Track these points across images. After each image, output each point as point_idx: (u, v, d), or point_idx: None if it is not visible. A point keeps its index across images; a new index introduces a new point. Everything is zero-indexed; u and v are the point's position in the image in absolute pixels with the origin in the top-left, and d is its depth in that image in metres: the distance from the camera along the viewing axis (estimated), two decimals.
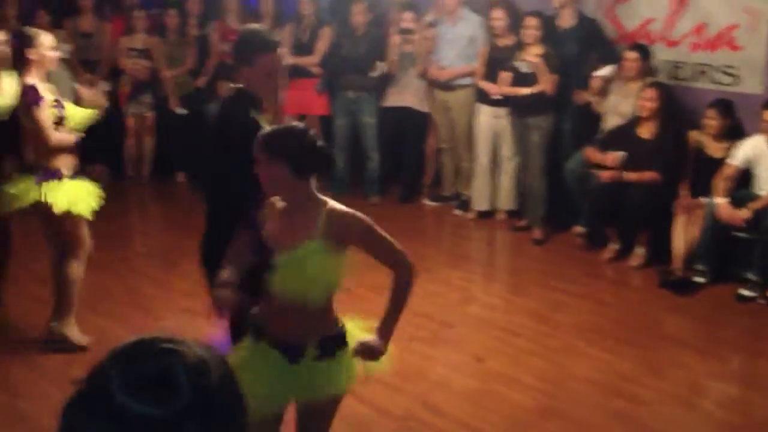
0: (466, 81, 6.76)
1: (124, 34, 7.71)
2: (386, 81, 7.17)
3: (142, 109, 7.73)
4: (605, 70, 5.99)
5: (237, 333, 2.88)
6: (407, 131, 7.24)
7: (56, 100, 4.20)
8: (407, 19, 6.89)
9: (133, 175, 7.86)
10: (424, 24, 6.96)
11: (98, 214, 4.42)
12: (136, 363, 0.98)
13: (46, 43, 4.18)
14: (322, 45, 7.29)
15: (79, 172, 4.39)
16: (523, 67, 6.16)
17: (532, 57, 6.11)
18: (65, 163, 4.27)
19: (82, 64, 7.47)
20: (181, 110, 7.65)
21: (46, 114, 4.11)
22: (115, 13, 7.98)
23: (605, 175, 5.73)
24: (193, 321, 4.47)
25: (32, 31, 4.25)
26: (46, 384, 4.06)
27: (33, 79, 4.13)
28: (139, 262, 5.91)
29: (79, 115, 4.33)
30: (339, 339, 2.66)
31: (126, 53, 7.63)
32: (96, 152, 7.64)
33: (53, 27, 7.31)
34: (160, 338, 1.02)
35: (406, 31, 6.89)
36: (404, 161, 7.41)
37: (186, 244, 6.10)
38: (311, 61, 7.32)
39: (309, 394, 2.61)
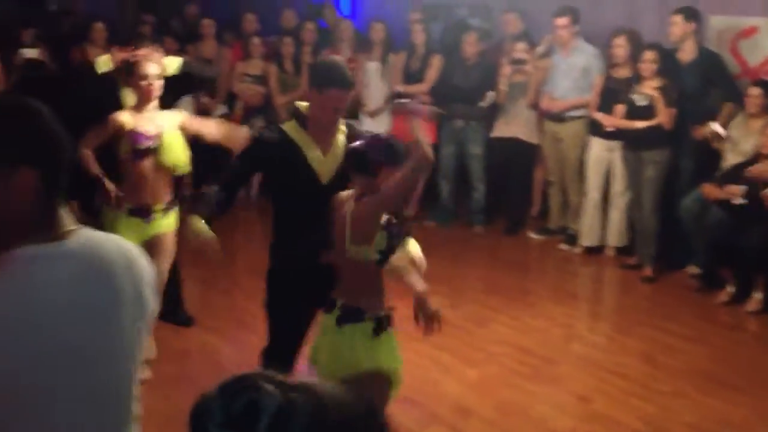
0: (579, 113, 6.63)
1: (241, 59, 7.97)
2: (495, 111, 7.12)
3: (253, 132, 7.93)
4: (719, 128, 5.75)
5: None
6: (514, 162, 7.15)
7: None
8: (519, 50, 6.84)
9: (242, 195, 8.07)
10: (537, 54, 6.88)
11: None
12: (232, 400, 1.06)
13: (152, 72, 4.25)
14: (432, 73, 7.33)
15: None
16: (640, 100, 5.99)
17: (649, 90, 5.94)
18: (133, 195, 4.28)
19: (202, 87, 7.76)
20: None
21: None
22: (235, 39, 8.27)
23: (754, 170, 5.42)
24: None
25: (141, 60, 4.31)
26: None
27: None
28: (244, 280, 6.03)
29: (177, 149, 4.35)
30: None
31: (241, 78, 7.88)
32: (209, 173, 7.95)
33: (178, 52, 7.69)
34: (263, 375, 1.10)
35: (518, 62, 6.83)
36: (510, 192, 7.32)
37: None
38: (420, 90, 7.36)
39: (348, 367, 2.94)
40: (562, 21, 6.49)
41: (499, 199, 7.38)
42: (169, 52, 7.62)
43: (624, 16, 6.72)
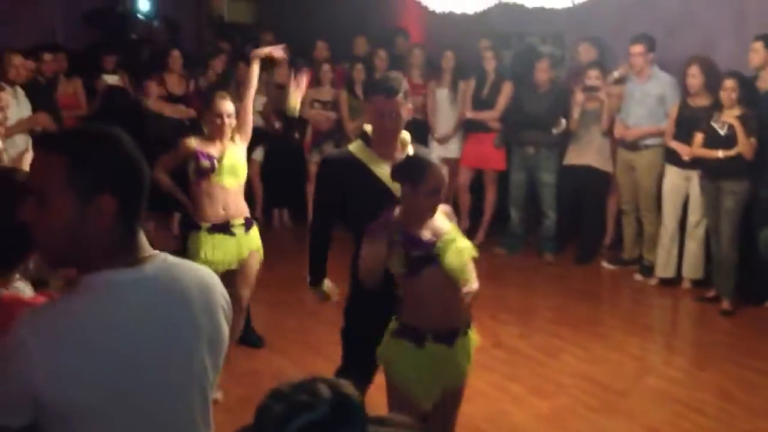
0: (654, 141, 6.50)
1: (312, 86, 8.08)
2: (567, 138, 7.04)
3: (321, 156, 8.03)
4: None
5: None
6: (587, 190, 7.05)
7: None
8: (592, 77, 6.76)
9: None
10: (611, 80, 6.80)
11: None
12: (292, 396, 1.16)
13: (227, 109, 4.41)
14: (503, 100, 7.31)
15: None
16: (720, 129, 5.84)
17: (729, 118, 5.79)
18: (209, 213, 4.43)
19: (275, 113, 7.89)
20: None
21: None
22: (308, 66, 8.39)
23: None
24: None
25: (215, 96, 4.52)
26: None
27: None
28: (314, 304, 6.03)
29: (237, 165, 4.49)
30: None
31: (311, 104, 7.98)
32: (281, 197, 8.06)
33: None
34: (318, 379, 1.20)
35: (590, 89, 6.76)
36: (583, 221, 7.20)
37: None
38: (491, 116, 7.35)
39: (455, 380, 3.08)
40: (638, 48, 6.40)
41: (570, 227, 7.27)
42: (241, 78, 7.88)
43: (700, 43, 6.59)
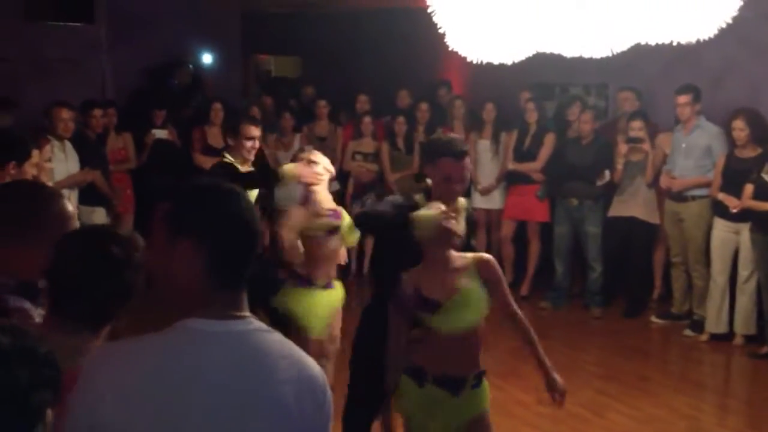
0: (702, 192, 6.36)
1: (353, 138, 8.13)
2: (611, 190, 6.95)
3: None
4: None
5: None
6: (634, 242, 6.91)
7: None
8: (636, 128, 6.69)
9: (353, 270, 8.09)
10: (655, 132, 6.72)
11: None
12: None
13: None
14: (545, 151, 7.26)
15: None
16: None
17: None
18: (320, 271, 4.42)
19: None
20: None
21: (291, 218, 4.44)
22: (349, 118, 8.48)
23: None
24: None
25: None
26: None
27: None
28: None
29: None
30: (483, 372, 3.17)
31: (353, 156, 8.02)
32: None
33: (293, 131, 7.97)
34: None
35: (634, 140, 6.68)
36: (630, 274, 7.05)
37: None
38: (534, 168, 7.29)
39: (465, 416, 3.10)
40: (684, 99, 6.33)
41: (617, 280, 7.12)
42: (286, 129, 7.99)
43: (746, 93, 6.49)
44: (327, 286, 4.49)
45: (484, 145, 7.64)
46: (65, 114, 6.18)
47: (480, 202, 7.52)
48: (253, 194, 4.87)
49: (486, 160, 7.63)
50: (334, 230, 4.46)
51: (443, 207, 3.08)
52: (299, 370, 1.60)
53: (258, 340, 1.58)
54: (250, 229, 1.61)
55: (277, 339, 1.62)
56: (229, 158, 4.75)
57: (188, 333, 1.54)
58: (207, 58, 9.58)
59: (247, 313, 1.61)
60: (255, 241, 1.62)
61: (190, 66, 8.97)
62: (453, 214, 3.07)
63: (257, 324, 1.61)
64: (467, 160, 3.38)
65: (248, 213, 1.62)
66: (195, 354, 1.52)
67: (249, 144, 4.61)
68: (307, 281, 4.43)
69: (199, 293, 1.56)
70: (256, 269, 1.66)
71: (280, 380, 1.57)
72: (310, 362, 1.64)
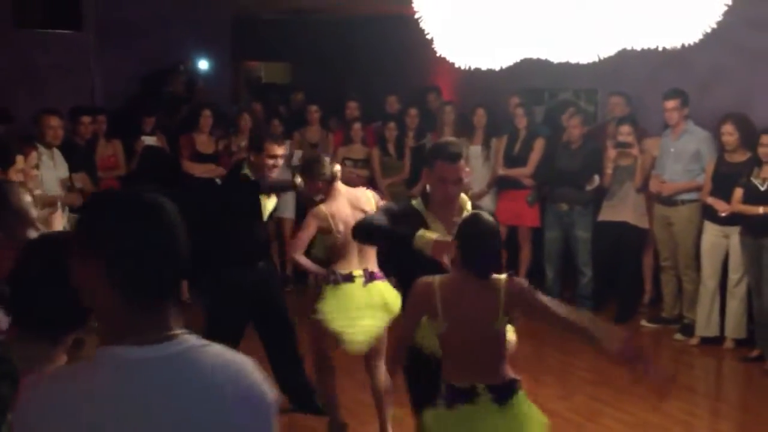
0: (691, 196, 6.38)
1: (343, 144, 8.13)
2: (601, 195, 6.96)
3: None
4: None
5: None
6: (623, 247, 6.92)
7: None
8: (624, 133, 6.70)
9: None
10: (643, 136, 6.74)
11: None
12: None
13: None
14: (535, 157, 7.28)
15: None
16: (760, 185, 5.72)
17: None
18: (341, 265, 4.41)
19: None
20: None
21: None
22: (340, 125, 8.47)
23: None
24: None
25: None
26: None
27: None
28: (346, 360, 5.92)
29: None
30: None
31: (343, 162, 8.01)
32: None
33: (283, 137, 7.94)
34: None
35: (622, 145, 6.69)
36: (620, 278, 7.05)
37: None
38: (524, 173, 7.31)
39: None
40: (672, 104, 6.35)
41: (607, 285, 7.12)
42: (275, 134, 7.94)
43: (734, 98, 6.52)
44: (347, 279, 4.39)
45: (475, 150, 7.65)
46: (54, 122, 6.15)
47: (471, 207, 7.52)
48: (270, 205, 4.89)
49: (477, 166, 7.63)
50: None
51: (437, 236, 3.13)
52: (236, 382, 1.50)
53: (188, 360, 1.48)
54: (167, 246, 1.49)
55: (212, 352, 1.51)
56: (246, 172, 4.75)
57: (110, 362, 1.45)
58: (203, 64, 9.57)
59: (178, 331, 1.51)
60: (174, 258, 1.50)
61: (183, 68, 8.94)
62: (448, 244, 3.07)
63: (188, 342, 1.50)
64: (462, 163, 3.40)
65: (167, 228, 1.50)
66: (117, 385, 1.43)
67: (271, 162, 4.65)
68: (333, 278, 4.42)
69: (119, 316, 1.46)
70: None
71: (215, 398, 1.47)
72: (248, 370, 1.54)
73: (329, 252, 4.49)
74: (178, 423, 1.44)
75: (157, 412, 1.43)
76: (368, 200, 4.51)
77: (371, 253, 4.41)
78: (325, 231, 4.40)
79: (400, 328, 3.18)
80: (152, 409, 1.43)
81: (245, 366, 1.55)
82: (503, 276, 3.08)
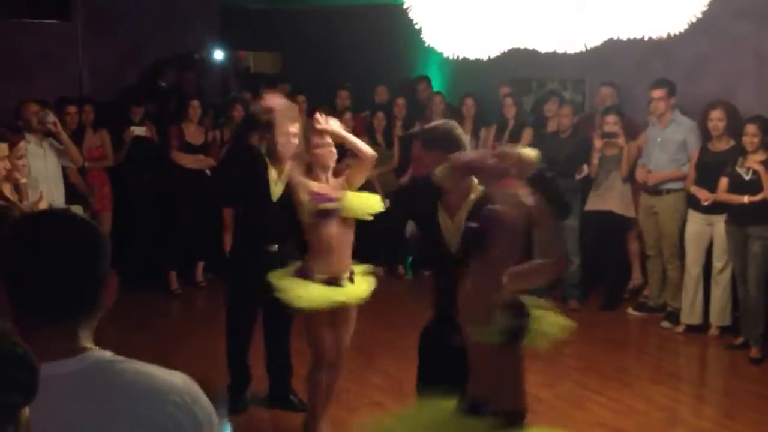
0: (676, 185, 6.44)
1: None
2: (588, 184, 7.00)
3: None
4: None
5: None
6: (610, 236, 6.98)
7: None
8: (610, 122, 6.75)
9: None
10: (631, 125, 6.79)
11: None
12: None
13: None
14: (523, 146, 7.28)
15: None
16: (745, 174, 5.78)
17: (754, 163, 5.72)
18: (321, 264, 4.19)
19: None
20: (386, 202, 7.88)
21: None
22: (328, 114, 8.45)
23: None
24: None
25: None
26: None
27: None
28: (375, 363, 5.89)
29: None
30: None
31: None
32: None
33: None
34: None
35: (608, 135, 6.73)
36: (607, 267, 7.11)
37: (382, 338, 6.18)
38: None
39: None
40: (659, 93, 6.39)
41: (595, 273, 7.18)
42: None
43: (719, 88, 6.58)
44: (331, 282, 4.19)
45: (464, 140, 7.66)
46: (34, 107, 6.15)
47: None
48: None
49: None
50: (326, 214, 4.17)
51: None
52: (138, 401, 1.45)
53: (90, 377, 1.45)
54: (44, 259, 1.47)
55: (120, 368, 1.48)
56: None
57: None
58: (218, 54, 9.55)
59: (86, 345, 1.49)
60: (55, 270, 1.47)
61: (197, 57, 8.91)
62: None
63: (95, 358, 1.48)
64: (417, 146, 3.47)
65: (42, 243, 1.47)
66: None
67: (283, 140, 4.49)
68: (305, 274, 4.20)
69: (23, 330, 1.41)
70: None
71: (112, 416, 1.43)
72: (163, 391, 1.47)
73: (309, 238, 4.25)
74: None
75: (55, 428, 1.40)
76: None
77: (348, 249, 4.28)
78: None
79: None
80: (50, 425, 1.39)
81: (160, 386, 1.48)
82: None
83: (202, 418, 1.50)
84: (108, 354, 1.51)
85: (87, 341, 1.51)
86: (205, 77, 9.13)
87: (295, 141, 4.49)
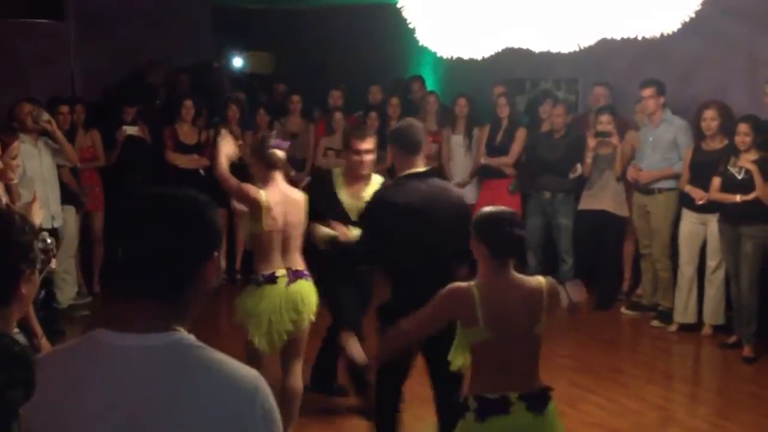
0: (669, 185, 6.45)
1: (325, 134, 8.13)
2: (582, 183, 7.02)
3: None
4: None
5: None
6: (603, 235, 6.99)
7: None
8: (604, 122, 6.76)
9: None
10: (624, 126, 6.81)
11: None
12: None
13: None
14: (517, 146, 7.32)
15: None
16: (737, 173, 5.79)
17: (746, 163, 5.74)
18: (264, 265, 4.08)
19: (289, 162, 7.90)
20: None
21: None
22: (322, 115, 8.47)
23: None
24: None
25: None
26: None
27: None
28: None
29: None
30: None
31: (325, 152, 8.01)
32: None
33: (269, 128, 7.94)
34: None
35: (602, 134, 6.75)
36: (600, 266, 7.12)
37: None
38: (505, 162, 7.35)
39: None
40: (648, 92, 6.42)
41: (588, 272, 7.17)
42: (261, 125, 7.93)
43: (712, 88, 6.60)
44: (270, 279, 4.05)
45: (457, 140, 7.68)
46: (28, 107, 6.13)
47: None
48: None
49: (459, 156, 7.67)
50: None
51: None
52: (214, 388, 1.47)
53: (167, 355, 1.48)
54: (137, 236, 1.54)
55: (198, 354, 1.51)
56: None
57: (94, 346, 1.50)
58: (237, 62, 9.54)
59: (174, 327, 1.52)
60: (147, 248, 1.52)
61: (217, 65, 8.88)
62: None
63: (177, 338, 1.51)
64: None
65: (141, 220, 1.54)
66: (94, 369, 1.46)
67: (357, 158, 4.38)
68: (255, 279, 4.10)
69: (111, 303, 1.53)
70: None
71: (183, 400, 1.45)
72: (235, 383, 1.49)
73: (254, 244, 4.20)
74: (137, 419, 1.43)
75: (121, 403, 1.43)
76: (301, 209, 4.19)
77: (296, 250, 4.16)
78: (256, 217, 4.07)
79: (411, 323, 3.02)
80: (115, 399, 1.44)
81: (232, 377, 1.50)
82: (541, 277, 3.02)
83: (267, 416, 1.51)
84: (192, 338, 1.53)
85: (177, 323, 1.53)
86: (222, 85, 9.09)
87: (368, 157, 4.46)
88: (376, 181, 4.56)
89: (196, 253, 1.53)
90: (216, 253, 1.57)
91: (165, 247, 1.50)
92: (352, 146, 4.44)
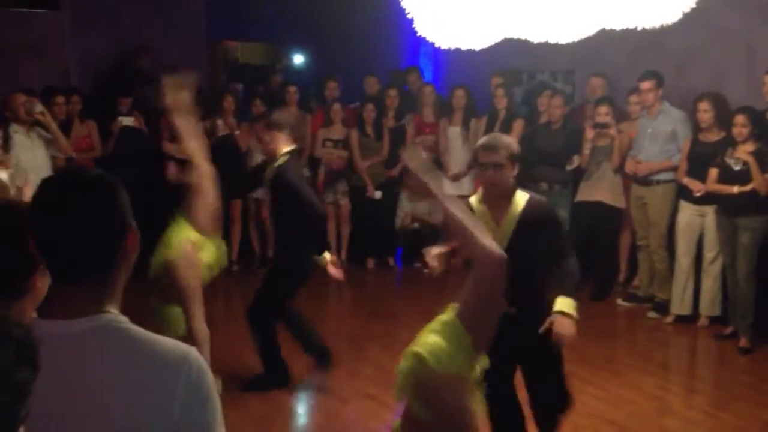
0: (666, 176, 6.46)
1: (323, 125, 8.11)
2: (578, 175, 7.01)
3: (337, 197, 8.02)
4: None
5: None
6: (600, 227, 6.99)
7: None
8: (602, 113, 6.75)
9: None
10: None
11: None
12: None
13: None
14: (514, 137, 7.29)
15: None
16: (735, 164, 5.80)
17: (743, 154, 5.74)
18: None
19: None
20: (378, 194, 7.88)
21: None
22: (319, 106, 8.45)
23: None
24: (377, 407, 4.42)
25: None
26: None
27: None
28: (328, 345, 5.95)
29: None
30: None
31: (323, 143, 8.00)
32: None
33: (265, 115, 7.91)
34: None
35: (600, 125, 6.74)
36: (597, 258, 7.13)
37: (373, 329, 6.19)
38: None
39: None
40: (647, 84, 6.41)
41: (584, 264, 7.17)
42: (255, 114, 7.92)
43: (709, 79, 6.60)
44: None
45: (455, 131, 7.67)
46: (21, 97, 6.11)
47: (450, 188, 7.55)
48: None
49: (456, 147, 7.66)
50: None
51: None
52: (141, 366, 1.48)
53: (97, 338, 1.48)
54: (55, 218, 1.52)
55: (129, 334, 1.51)
56: None
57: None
58: (298, 59, 9.50)
59: (105, 308, 1.52)
60: (67, 228, 1.49)
61: (279, 67, 8.82)
62: None
63: (107, 319, 1.51)
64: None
65: (55, 202, 1.52)
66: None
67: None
68: None
69: (53, 291, 1.53)
70: None
71: (111, 383, 1.46)
72: (163, 352, 1.50)
73: None
74: (62, 405, 1.44)
75: (49, 389, 1.42)
76: None
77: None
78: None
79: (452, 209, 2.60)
80: (52, 383, 1.42)
81: (165, 354, 1.50)
82: None
83: (196, 387, 1.50)
84: (123, 318, 1.54)
85: (110, 305, 1.54)
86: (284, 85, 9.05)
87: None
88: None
89: (114, 230, 1.53)
90: (133, 224, 1.57)
91: (81, 228, 1.50)
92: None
